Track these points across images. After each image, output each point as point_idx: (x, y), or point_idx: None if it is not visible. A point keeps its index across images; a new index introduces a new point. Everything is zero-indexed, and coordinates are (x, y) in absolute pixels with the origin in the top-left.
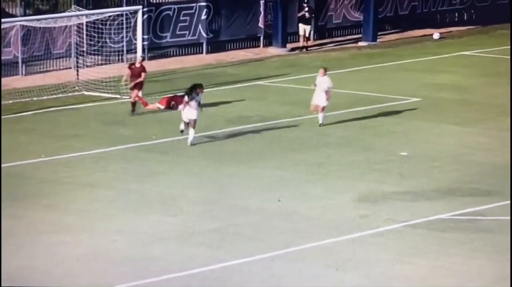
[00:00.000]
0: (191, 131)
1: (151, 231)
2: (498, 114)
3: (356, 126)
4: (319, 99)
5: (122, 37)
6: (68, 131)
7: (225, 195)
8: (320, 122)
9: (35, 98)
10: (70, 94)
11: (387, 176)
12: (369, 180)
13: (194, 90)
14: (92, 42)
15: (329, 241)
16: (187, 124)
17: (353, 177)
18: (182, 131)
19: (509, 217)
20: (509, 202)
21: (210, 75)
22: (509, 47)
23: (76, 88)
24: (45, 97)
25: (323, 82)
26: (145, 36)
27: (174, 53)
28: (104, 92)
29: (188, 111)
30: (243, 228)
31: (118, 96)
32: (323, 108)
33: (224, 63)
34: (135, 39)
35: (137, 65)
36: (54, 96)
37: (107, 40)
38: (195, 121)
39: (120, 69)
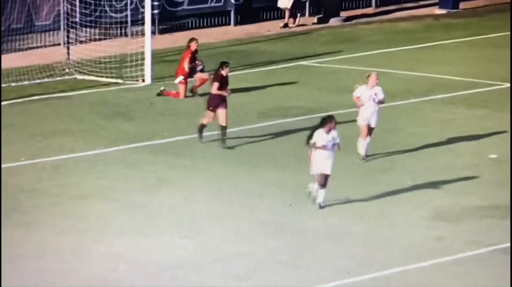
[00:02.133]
0: (322, 192)
1: (161, 257)
2: None
3: (432, 120)
4: (373, 117)
5: (126, 4)
6: (56, 126)
7: (257, 209)
8: (363, 153)
9: (13, 84)
10: (58, 78)
11: (471, 186)
12: (448, 191)
13: (324, 124)
14: (87, 11)
15: (394, 270)
16: (324, 180)
17: (426, 187)
18: (310, 192)
19: None
20: None
21: (239, 54)
22: None
23: (67, 70)
24: (26, 83)
25: (378, 92)
26: (155, 3)
27: (193, 25)
28: (102, 76)
29: (321, 161)
30: (280, 253)
31: (120, 80)
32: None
33: (257, 37)
34: (142, 7)
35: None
36: (38, 81)
37: (107, 8)
38: (328, 177)
39: (124, 46)
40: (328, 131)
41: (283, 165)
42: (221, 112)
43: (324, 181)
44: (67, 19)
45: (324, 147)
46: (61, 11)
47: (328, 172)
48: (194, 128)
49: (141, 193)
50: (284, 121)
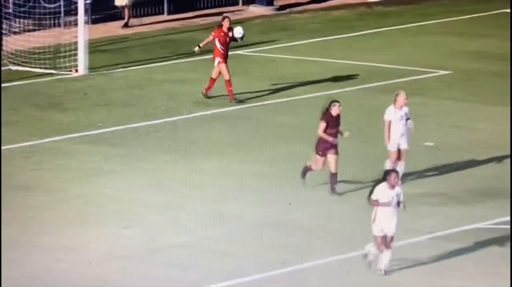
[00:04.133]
0: (387, 254)
1: (102, 247)
2: None
3: (368, 108)
4: (403, 140)
5: None
6: None
7: (195, 199)
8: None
9: None
10: None
11: (407, 174)
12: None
13: (387, 179)
14: (20, 2)
15: (334, 258)
16: (383, 241)
17: (366, 174)
18: (366, 254)
19: None
20: None
21: (173, 43)
22: None
23: (1, 61)
24: None
25: (405, 113)
26: None
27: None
28: (36, 67)
29: (384, 220)
30: (220, 242)
31: (54, 71)
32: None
33: (191, 26)
34: None
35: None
36: None
37: None
38: (392, 238)
39: (57, 36)
40: (392, 187)
41: (220, 154)
42: (331, 157)
43: (388, 242)
44: (0, 10)
45: (388, 204)
46: None
47: (391, 233)
48: (128, 118)
49: (80, 183)
50: (221, 110)
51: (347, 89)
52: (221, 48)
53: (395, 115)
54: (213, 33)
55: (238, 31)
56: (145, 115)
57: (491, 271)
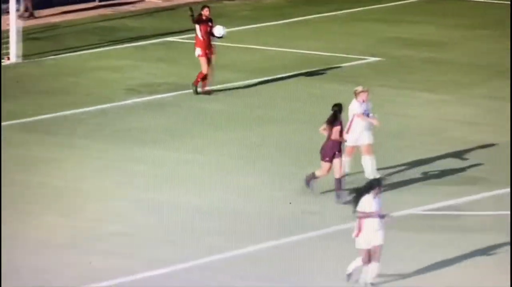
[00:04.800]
0: (374, 267)
1: (40, 235)
2: (485, 77)
3: (300, 95)
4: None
5: None
6: None
7: (131, 187)
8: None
9: None
10: None
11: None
12: (319, 165)
13: (372, 189)
14: None
15: (266, 245)
16: (369, 254)
17: (297, 163)
18: (349, 274)
19: (507, 211)
20: (502, 191)
21: (105, 30)
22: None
23: None
24: None
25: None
26: None
27: (58, 2)
28: None
29: (373, 231)
30: (157, 230)
31: None
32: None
33: (123, 13)
34: None
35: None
36: None
37: None
38: (381, 247)
39: None
40: (375, 196)
41: (153, 142)
42: (337, 162)
43: (376, 254)
44: None
45: (376, 215)
46: None
47: (379, 243)
48: (61, 105)
49: (15, 172)
50: (153, 97)
51: (279, 76)
52: (202, 37)
53: (360, 109)
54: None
55: (218, 31)
56: (78, 102)
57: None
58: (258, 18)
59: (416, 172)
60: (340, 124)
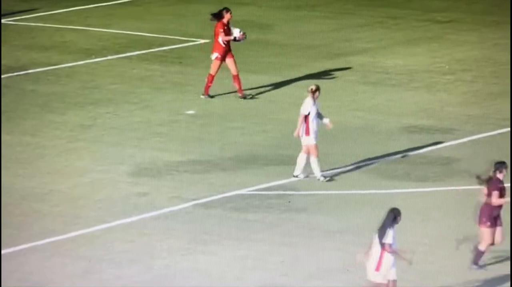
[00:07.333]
0: None
1: None
2: (310, 58)
3: (130, 77)
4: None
5: None
6: None
7: None
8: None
9: None
10: None
11: (170, 142)
12: (149, 147)
13: (394, 218)
14: None
15: (99, 227)
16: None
17: (128, 144)
18: None
19: (331, 192)
20: (331, 171)
21: None
22: None
23: None
24: None
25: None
26: None
27: None
28: None
29: (389, 267)
30: None
31: None
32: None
33: None
34: None
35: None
36: None
37: None
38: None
39: None
40: (397, 222)
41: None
42: (498, 229)
43: None
44: None
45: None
46: None
47: (394, 276)
48: None
49: None
50: None
51: (108, 57)
52: (223, 42)
53: (313, 109)
54: (220, 30)
55: (236, 33)
56: None
57: (250, 237)
58: None
59: (244, 153)
60: (498, 187)
